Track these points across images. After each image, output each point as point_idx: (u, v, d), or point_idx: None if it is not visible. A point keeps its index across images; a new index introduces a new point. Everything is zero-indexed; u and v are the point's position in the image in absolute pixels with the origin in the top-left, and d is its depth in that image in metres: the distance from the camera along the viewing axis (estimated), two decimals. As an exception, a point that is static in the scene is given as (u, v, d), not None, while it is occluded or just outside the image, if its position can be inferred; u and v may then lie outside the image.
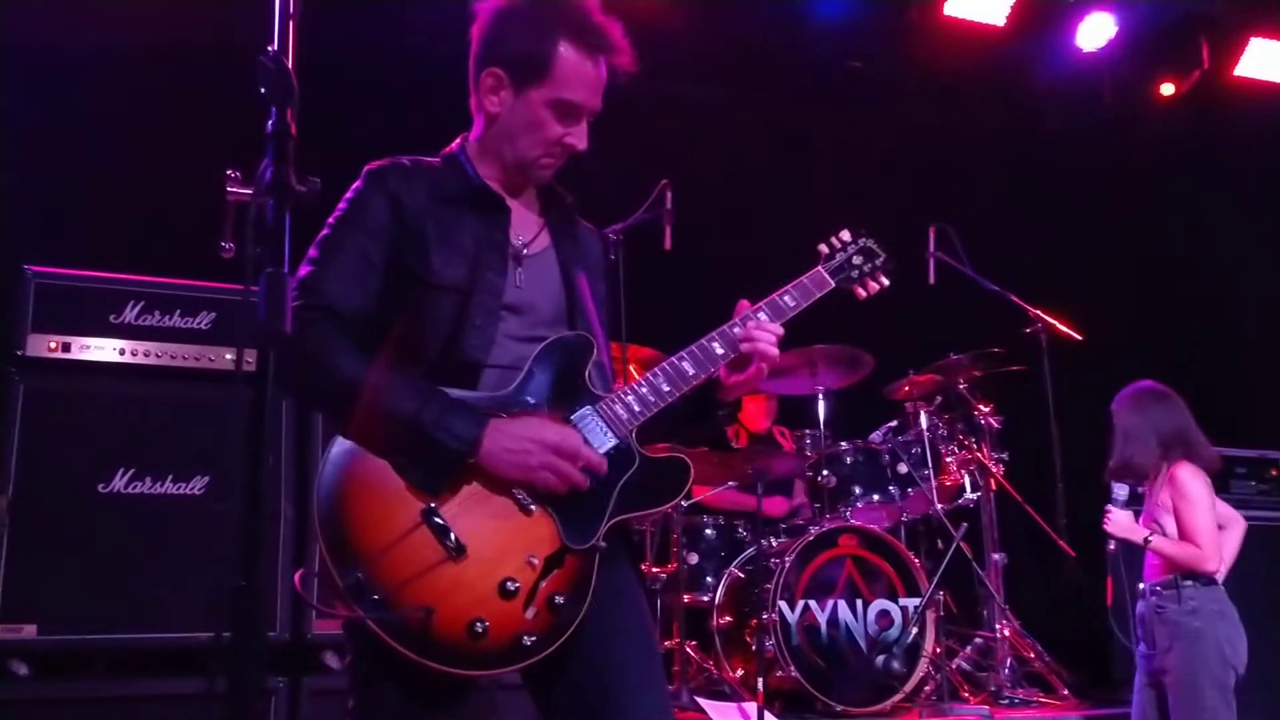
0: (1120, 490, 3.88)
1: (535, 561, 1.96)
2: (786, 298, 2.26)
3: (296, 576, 1.95)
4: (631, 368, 4.42)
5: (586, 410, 2.08)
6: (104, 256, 3.95)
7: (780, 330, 2.21)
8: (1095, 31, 6.37)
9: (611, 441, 2.07)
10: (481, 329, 2.07)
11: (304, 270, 2.05)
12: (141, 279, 3.82)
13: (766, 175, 6.51)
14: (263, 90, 1.37)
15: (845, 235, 2.39)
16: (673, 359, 2.16)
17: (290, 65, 1.42)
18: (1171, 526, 3.83)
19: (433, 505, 1.93)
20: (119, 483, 3.61)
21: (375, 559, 1.86)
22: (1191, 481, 3.86)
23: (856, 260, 2.37)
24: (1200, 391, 6.45)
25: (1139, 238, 6.88)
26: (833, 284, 2.34)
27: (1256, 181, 6.81)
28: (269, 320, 1.27)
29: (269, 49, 1.44)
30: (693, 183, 4.84)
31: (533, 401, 2.05)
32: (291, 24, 1.48)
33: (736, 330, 2.18)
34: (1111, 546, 4.04)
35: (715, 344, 2.17)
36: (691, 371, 2.15)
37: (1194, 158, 6.83)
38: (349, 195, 2.14)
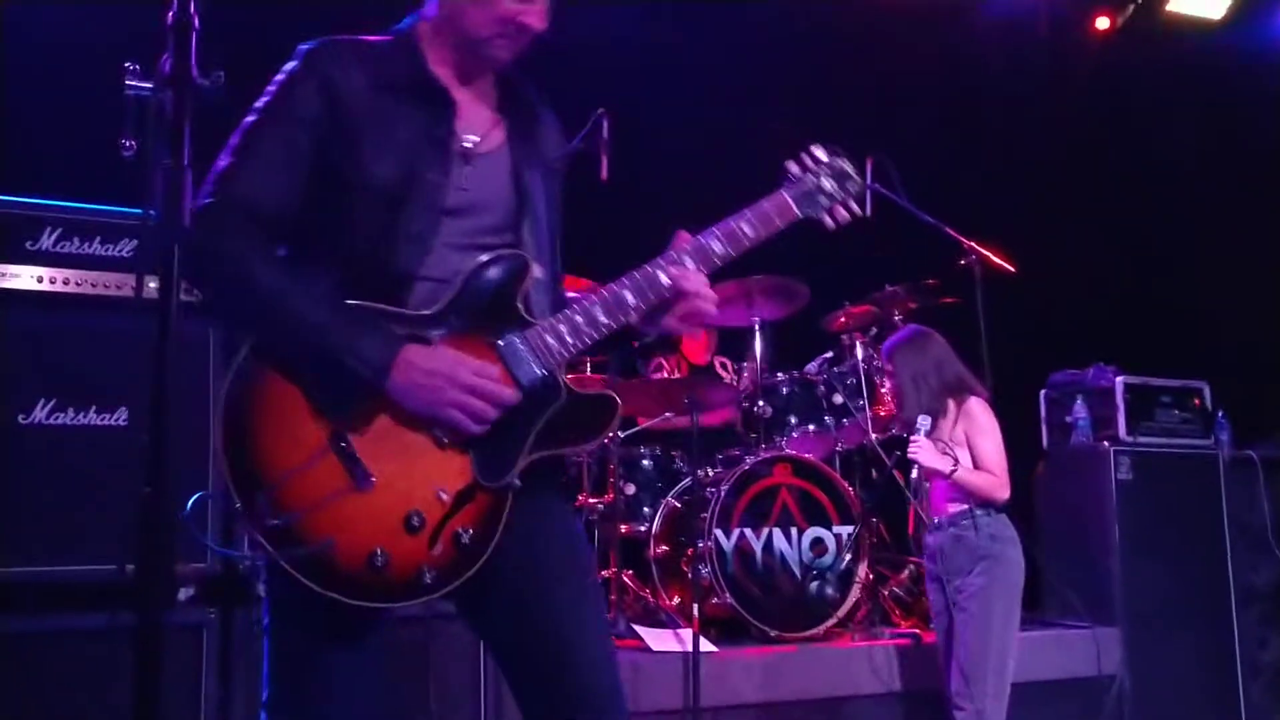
0: (924, 421, 3.96)
1: (445, 496, 1.88)
2: (744, 226, 2.07)
3: (189, 501, 1.88)
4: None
5: (514, 337, 1.95)
6: (15, 179, 3.80)
7: (708, 289, 2.02)
8: (1032, -37, 6.36)
9: (538, 372, 1.95)
10: (417, 236, 1.92)
11: (222, 161, 1.89)
12: (59, 204, 3.69)
13: (705, 106, 6.45)
14: (163, -18, 1.30)
15: (819, 152, 2.17)
16: (612, 285, 2.00)
17: (194, -42, 1.35)
18: (966, 459, 3.96)
19: (343, 431, 1.84)
20: (40, 414, 3.50)
21: (279, 482, 1.78)
22: (985, 413, 4.05)
23: (828, 185, 2.15)
24: (1130, 321, 6.62)
25: (1074, 171, 6.95)
26: (798, 214, 2.12)
27: (1190, 116, 6.89)
28: (166, 218, 1.21)
29: (172, -58, 1.37)
30: (628, 111, 4.77)
31: (459, 324, 1.92)
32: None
33: (661, 275, 2.00)
34: (915, 474, 4.17)
35: (659, 272, 2.01)
36: (632, 301, 2.00)
37: (1129, 91, 6.89)
38: (278, 77, 1.95)
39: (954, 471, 3.91)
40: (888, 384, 4.17)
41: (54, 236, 3.64)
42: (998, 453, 3.98)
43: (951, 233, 5.41)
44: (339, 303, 1.86)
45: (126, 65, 1.28)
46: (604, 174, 4.62)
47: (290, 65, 1.97)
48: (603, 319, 1.98)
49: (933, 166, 5.95)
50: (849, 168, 2.18)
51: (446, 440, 1.89)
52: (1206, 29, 6.76)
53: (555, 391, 1.96)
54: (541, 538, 2.00)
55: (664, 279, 2.01)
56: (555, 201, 2.15)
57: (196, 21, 1.28)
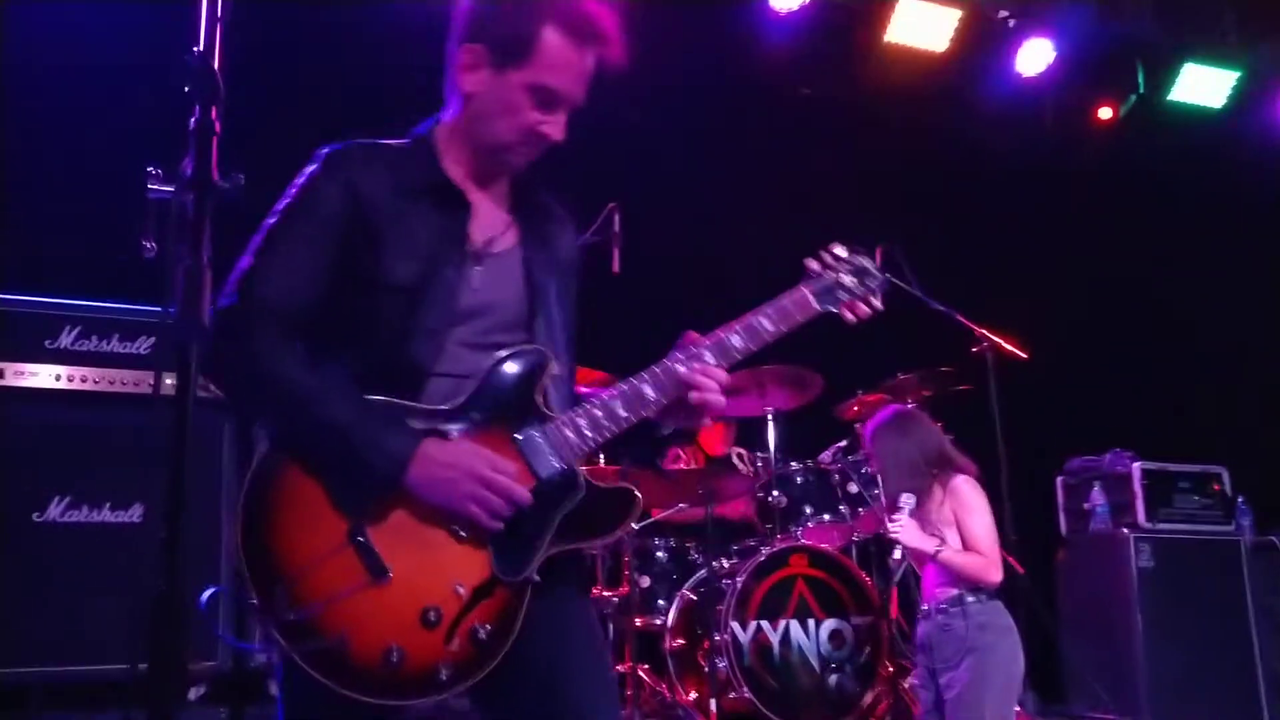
0: (908, 499, 3.79)
1: (462, 591, 1.86)
2: (765, 321, 2.08)
3: (205, 594, 1.88)
4: (580, 390, 4.40)
5: (534, 431, 1.95)
6: (36, 277, 3.87)
7: (725, 378, 2.03)
8: (1034, 57, 6.49)
9: (557, 466, 1.94)
10: (433, 333, 1.95)
11: (245, 262, 1.92)
12: (78, 303, 3.75)
13: (716, 200, 6.55)
14: (187, 88, 1.35)
15: (840, 250, 2.20)
16: (632, 380, 2.01)
17: (216, 65, 1.40)
18: (954, 540, 3.77)
19: (360, 524, 1.84)
20: (54, 511, 3.53)
21: (296, 576, 1.78)
22: (973, 491, 3.87)
23: (848, 281, 2.17)
24: (1144, 408, 6.60)
25: (1082, 258, 7.00)
26: (818, 309, 2.13)
27: (1193, 202, 6.96)
28: (185, 315, 1.24)
29: (195, 48, 1.42)
30: (643, 207, 4.86)
31: (479, 418, 1.93)
32: (219, 26, 1.47)
33: (680, 369, 2.01)
34: (897, 556, 3.90)
35: (679, 366, 2.01)
36: (652, 395, 2.00)
37: (1133, 180, 6.97)
38: (299, 180, 1.99)
39: (939, 552, 3.71)
40: (871, 466, 4.04)
41: (73, 335, 3.70)
42: (987, 532, 3.79)
43: (963, 320, 5.44)
44: (361, 399, 1.88)
45: (149, 169, 1.32)
46: (615, 266, 4.70)
47: (311, 167, 2.01)
48: (622, 413, 1.99)
49: (943, 255, 6.01)
50: (869, 264, 2.21)
51: (465, 534, 1.88)
52: (1207, 117, 6.87)
53: (574, 485, 1.95)
54: (560, 632, 1.98)
55: (682, 372, 2.02)
56: (569, 300, 2.17)
57: (217, 125, 1.32)
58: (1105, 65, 6.80)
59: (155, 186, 1.32)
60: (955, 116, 6.90)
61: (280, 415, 1.88)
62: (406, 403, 1.92)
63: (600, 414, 1.97)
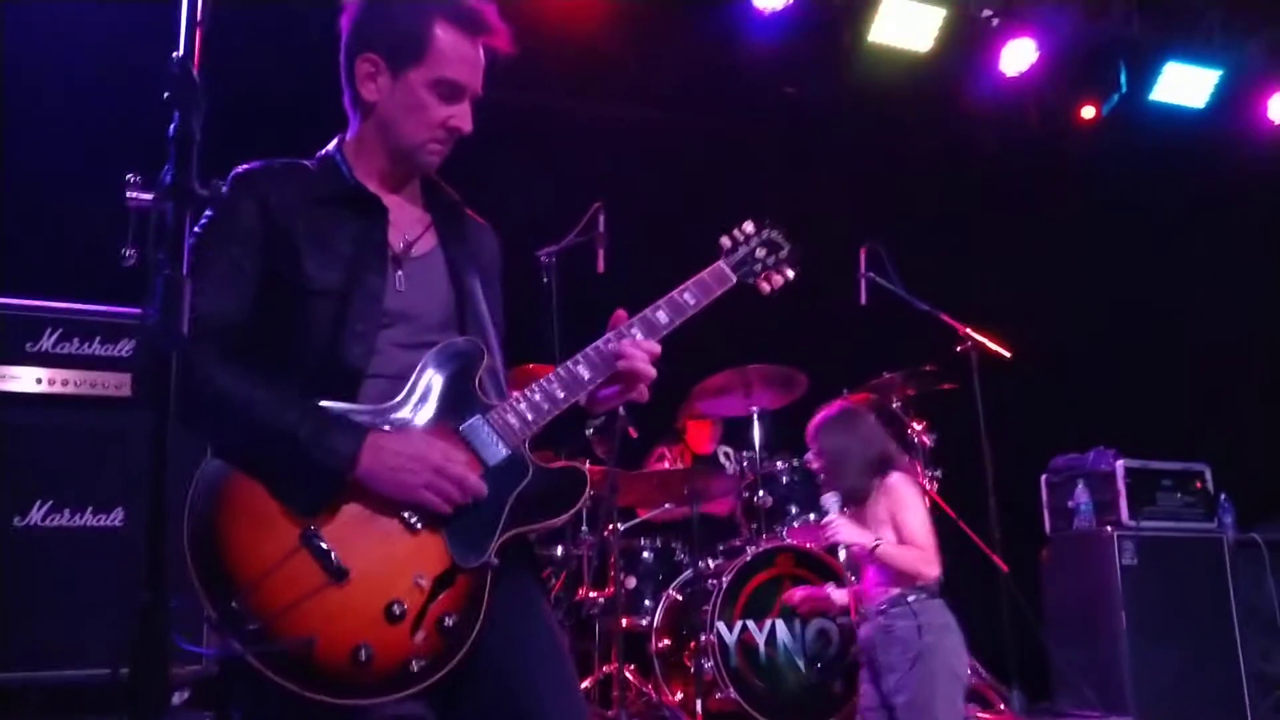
0: (830, 500, 3.78)
1: (423, 582, 1.87)
2: (686, 295, 2.19)
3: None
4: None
5: (477, 419, 1.99)
6: (16, 280, 3.84)
7: (656, 349, 2.11)
8: (1017, 56, 6.51)
9: (503, 452, 1.99)
10: (362, 335, 1.99)
11: None
12: (59, 305, 3.71)
13: (701, 198, 6.55)
14: (166, 95, 1.34)
15: (749, 226, 2.31)
16: (568, 364, 2.07)
17: (195, 70, 1.39)
18: (891, 538, 3.74)
19: (312, 527, 1.84)
20: (36, 515, 3.49)
21: (252, 586, 1.77)
22: (907, 487, 3.84)
23: (760, 253, 2.29)
24: (1128, 406, 6.63)
25: (1066, 256, 7.03)
26: (734, 279, 2.25)
27: (1177, 201, 7.00)
28: (165, 323, 1.23)
29: (175, 54, 1.41)
30: (628, 205, 4.85)
31: (420, 412, 1.97)
32: (199, 31, 1.46)
33: (610, 346, 2.09)
34: (842, 556, 3.91)
35: (609, 344, 2.09)
36: (588, 376, 2.06)
37: (1116, 178, 7.00)
38: (213, 203, 2.06)
39: (877, 545, 3.69)
40: (815, 463, 4.01)
41: (54, 337, 3.66)
42: (923, 527, 3.74)
43: (947, 319, 5.46)
44: (302, 402, 1.90)
45: (128, 177, 1.31)
46: (600, 266, 4.70)
47: (225, 188, 2.04)
48: (560, 394, 2.05)
49: (927, 254, 6.03)
50: (778, 236, 2.32)
51: (419, 525, 1.89)
52: (1190, 116, 6.90)
53: (522, 469, 2.00)
54: (520, 625, 1.99)
55: (612, 347, 2.09)
56: (494, 300, 2.23)
57: (198, 133, 1.31)
58: (1088, 64, 6.82)
59: (134, 194, 1.31)
60: (939, 115, 6.92)
61: (223, 426, 1.89)
62: (345, 405, 1.95)
63: (539, 398, 2.03)
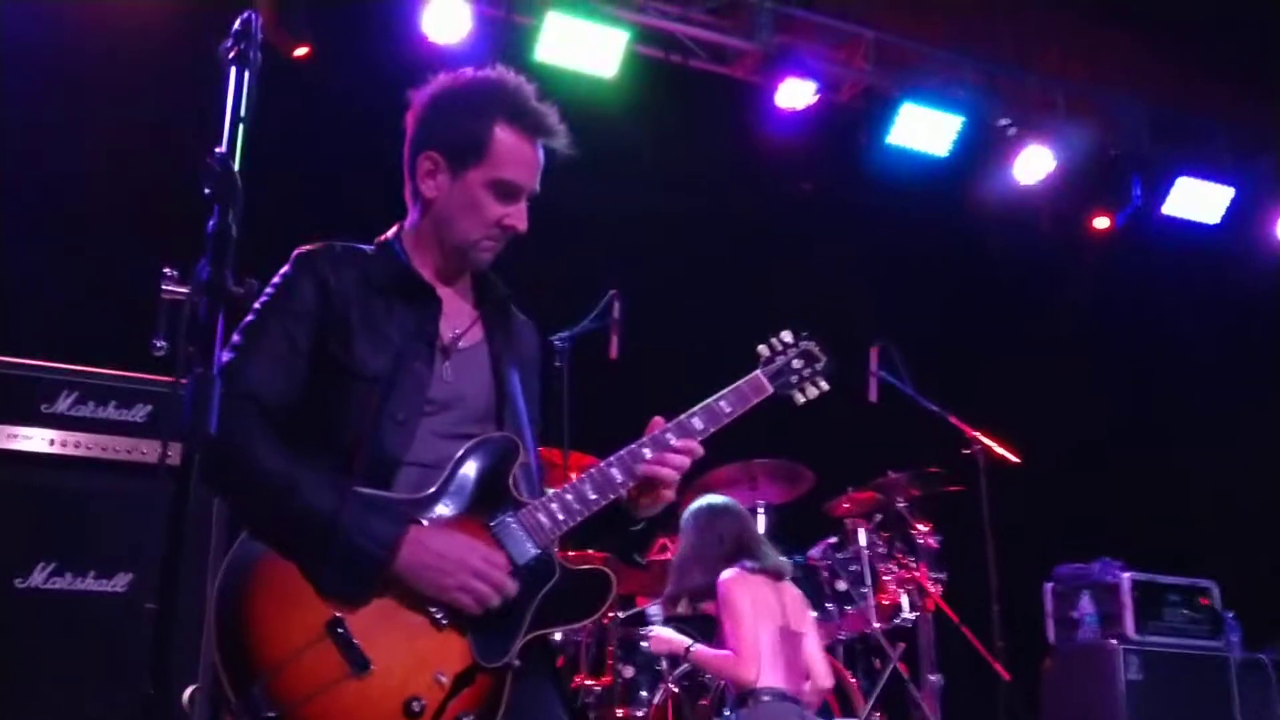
0: (653, 609, 3.75)
1: (444, 680, 1.87)
2: (723, 403, 2.20)
3: (185, 693, 1.86)
4: (573, 476, 4.39)
5: (508, 517, 2.00)
6: (36, 347, 3.88)
7: (698, 450, 2.13)
8: (1033, 165, 6.61)
9: (533, 551, 1.99)
10: (403, 424, 2.01)
11: (226, 356, 1.97)
12: (76, 368, 3.74)
13: (715, 288, 6.62)
14: (207, 190, 1.38)
15: (786, 337, 2.32)
16: (601, 465, 2.08)
17: (236, 167, 1.43)
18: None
19: (338, 615, 1.84)
20: (37, 578, 3.48)
21: (274, 671, 1.77)
22: (731, 588, 3.78)
23: (797, 364, 2.30)
24: (1134, 519, 6.59)
25: (1079, 363, 7.05)
26: (771, 390, 2.26)
27: (1188, 314, 7.04)
28: (194, 422, 1.25)
29: (216, 150, 1.46)
30: (643, 293, 4.91)
31: (452, 505, 1.98)
32: (241, 127, 1.50)
33: (645, 451, 2.09)
34: (662, 665, 3.84)
35: (644, 449, 2.09)
36: (620, 479, 2.07)
37: (1127, 288, 7.07)
38: (276, 279, 2.09)
39: (689, 650, 3.65)
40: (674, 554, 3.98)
41: (70, 400, 3.69)
42: (740, 628, 3.67)
43: (955, 421, 5.46)
44: (344, 486, 1.91)
45: (164, 270, 1.34)
46: (614, 353, 4.73)
47: (287, 267, 2.11)
48: (592, 496, 2.05)
49: (938, 355, 6.07)
50: (815, 349, 2.34)
51: (445, 621, 1.89)
52: (1202, 232, 6.98)
53: (550, 569, 2.00)
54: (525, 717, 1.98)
55: (647, 454, 2.09)
56: (533, 395, 2.27)
57: (234, 229, 1.35)
58: (1102, 177, 6.93)
59: (169, 287, 1.34)
60: (954, 218, 7.01)
61: (262, 504, 1.91)
62: (382, 492, 1.96)
63: (571, 498, 2.04)
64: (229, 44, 1.62)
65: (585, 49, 5.69)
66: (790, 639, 3.80)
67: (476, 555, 1.90)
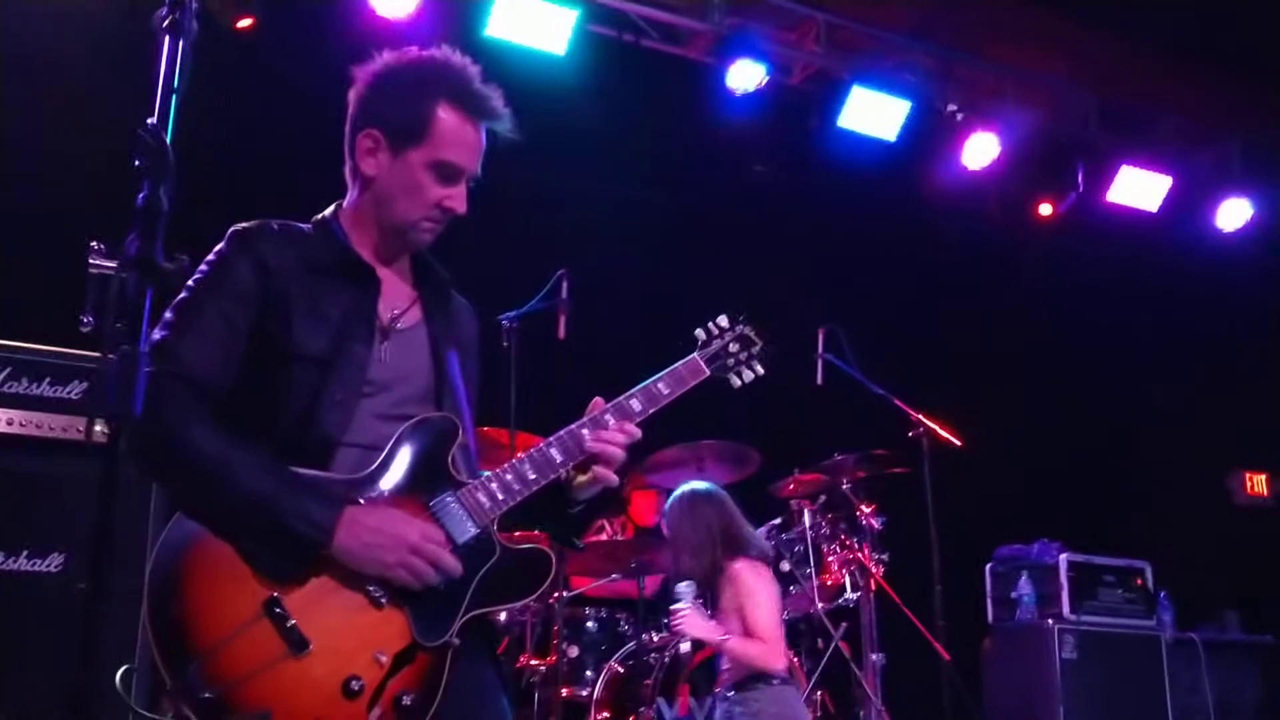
0: (685, 588, 3.75)
1: (383, 659, 1.86)
2: (661, 386, 2.22)
3: (119, 674, 1.83)
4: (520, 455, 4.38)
5: (448, 497, 2.00)
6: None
7: (636, 432, 2.15)
8: (980, 151, 6.67)
9: (472, 530, 1.99)
10: (341, 404, 2.00)
11: (159, 334, 1.95)
12: (9, 344, 3.66)
13: (664, 269, 6.62)
14: (137, 163, 1.34)
15: (723, 321, 2.34)
16: (541, 445, 2.09)
17: (169, 140, 1.40)
18: (736, 627, 3.74)
19: (276, 595, 1.83)
20: (-31, 556, 3.41)
21: (210, 653, 1.75)
22: (753, 576, 3.85)
23: (733, 348, 2.31)
24: (1074, 500, 6.71)
25: (1021, 348, 7.15)
26: (708, 373, 2.28)
27: (1128, 300, 7.16)
28: (118, 401, 1.22)
29: (149, 121, 1.42)
30: (592, 272, 4.89)
31: (391, 485, 1.97)
32: (174, 98, 1.47)
33: (584, 432, 2.10)
34: (685, 648, 3.86)
35: (583, 429, 2.11)
36: (559, 459, 2.08)
37: (1070, 274, 7.17)
38: (211, 257, 2.06)
39: (725, 641, 3.66)
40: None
41: (1, 376, 3.61)
42: (768, 618, 3.73)
43: (900, 404, 5.51)
44: (281, 468, 1.90)
45: (92, 244, 1.31)
46: (562, 333, 4.72)
47: (223, 245, 2.08)
48: (532, 476, 2.06)
49: (885, 338, 6.11)
50: (751, 333, 2.35)
51: (384, 600, 1.89)
52: (1146, 219, 7.09)
53: (490, 548, 2.00)
54: (475, 706, 1.99)
55: (586, 435, 2.10)
56: (471, 378, 2.26)
57: (166, 204, 1.32)
58: (1047, 163, 7.01)
59: (96, 261, 1.31)
60: (902, 203, 7.06)
61: (196, 485, 1.89)
62: (319, 473, 1.95)
63: (511, 478, 2.04)
64: (164, 12, 1.58)
65: (536, 26, 5.64)
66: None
67: (414, 531, 1.90)
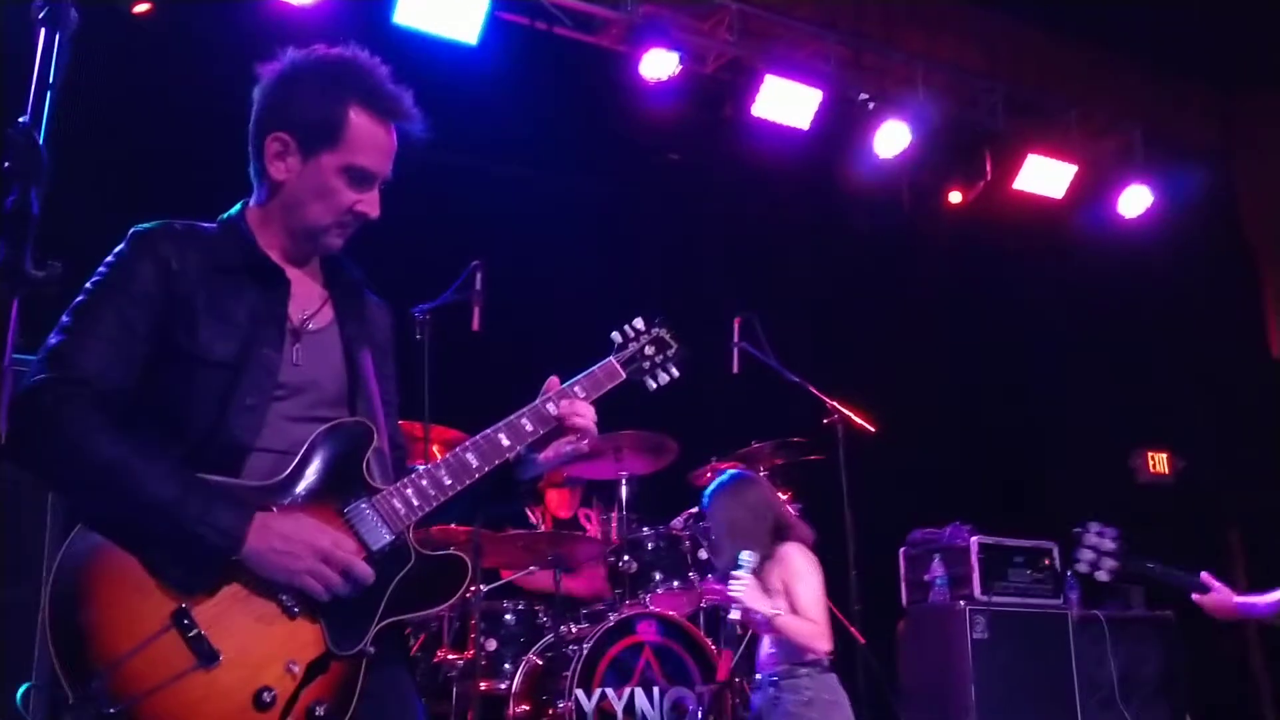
0: (750, 557, 3.77)
1: (296, 669, 1.83)
2: (576, 388, 2.21)
3: (19, 692, 1.77)
4: (435, 449, 4.34)
5: (362, 503, 1.96)
6: None
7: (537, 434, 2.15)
8: (891, 139, 6.75)
9: (387, 537, 1.96)
10: (252, 409, 1.95)
11: (55, 339, 1.89)
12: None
13: (579, 260, 6.59)
14: (6, 165, 1.28)
15: (639, 323, 2.34)
16: (457, 450, 2.08)
17: (43, 139, 1.34)
18: (784, 608, 3.77)
19: (184, 606, 1.78)
20: None
21: (115, 666, 1.70)
22: (803, 558, 3.90)
23: (649, 351, 2.32)
24: (986, 483, 6.85)
25: (932, 335, 7.27)
26: (624, 375, 2.28)
27: (1037, 285, 7.32)
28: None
29: (21, 120, 1.36)
30: (505, 263, 4.85)
31: (304, 492, 1.93)
32: (50, 94, 1.41)
33: (550, 408, 2.13)
34: (735, 615, 3.87)
35: (502, 436, 2.10)
36: (475, 464, 2.07)
37: (980, 261, 7.30)
38: (110, 259, 1.99)
39: (777, 616, 3.71)
40: (711, 532, 4.05)
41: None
42: (816, 600, 3.78)
43: (815, 392, 5.57)
44: (187, 474, 1.84)
45: (-45, 244, 1.24)
46: (476, 324, 4.67)
47: (123, 246, 2.00)
48: (447, 481, 2.04)
49: (800, 327, 6.17)
50: (667, 335, 2.36)
51: (297, 609, 1.85)
52: (1052, 207, 7.25)
53: (405, 555, 1.97)
54: (389, 712, 1.97)
55: (505, 441, 2.10)
56: (387, 377, 2.23)
57: (36, 207, 1.26)
58: (957, 151, 7.13)
59: (-41, 264, 1.24)
60: (815, 191, 7.12)
61: (99, 494, 1.82)
62: (229, 480, 1.90)
63: (427, 483, 2.02)
64: (40, 2, 1.51)
65: (446, 14, 5.56)
66: None
67: (325, 538, 1.86)
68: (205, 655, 1.76)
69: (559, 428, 2.16)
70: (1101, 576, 3.60)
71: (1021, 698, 5.33)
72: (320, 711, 1.82)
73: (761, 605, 3.75)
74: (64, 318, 1.92)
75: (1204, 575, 3.61)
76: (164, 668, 1.73)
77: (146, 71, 4.88)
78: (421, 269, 4.81)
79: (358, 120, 2.05)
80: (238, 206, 2.15)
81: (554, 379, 2.20)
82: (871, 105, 6.69)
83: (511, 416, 2.12)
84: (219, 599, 1.81)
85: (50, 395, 1.83)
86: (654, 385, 2.33)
